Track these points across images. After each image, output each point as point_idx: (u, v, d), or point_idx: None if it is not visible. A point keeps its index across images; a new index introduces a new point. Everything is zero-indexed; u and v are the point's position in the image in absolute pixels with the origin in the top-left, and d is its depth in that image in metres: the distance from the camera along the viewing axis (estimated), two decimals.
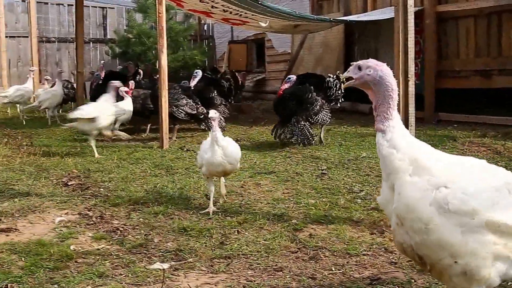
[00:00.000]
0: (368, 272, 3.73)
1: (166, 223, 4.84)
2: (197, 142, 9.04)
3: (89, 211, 5.28)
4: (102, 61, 12.96)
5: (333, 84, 8.88)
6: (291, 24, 11.76)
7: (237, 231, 4.60)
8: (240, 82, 11.52)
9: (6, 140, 9.42)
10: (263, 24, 10.82)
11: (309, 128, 8.51)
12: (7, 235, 4.61)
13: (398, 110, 4.41)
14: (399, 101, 4.41)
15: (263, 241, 4.34)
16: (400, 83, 4.36)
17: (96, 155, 8.01)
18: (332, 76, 9.02)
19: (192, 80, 9.95)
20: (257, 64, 18.18)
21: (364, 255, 4.02)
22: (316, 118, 8.55)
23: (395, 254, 4.01)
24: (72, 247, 4.26)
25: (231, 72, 11.70)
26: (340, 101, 9.08)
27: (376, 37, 12.94)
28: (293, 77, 9.00)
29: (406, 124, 4.38)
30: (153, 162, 7.53)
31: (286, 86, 8.81)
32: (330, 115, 8.76)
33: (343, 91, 8.85)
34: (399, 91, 3.84)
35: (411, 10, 4.29)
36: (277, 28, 12.35)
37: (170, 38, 11.70)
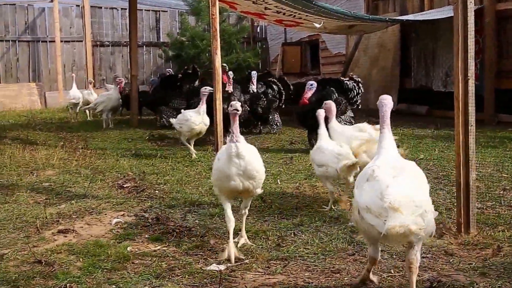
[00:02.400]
0: (427, 274, 3.71)
1: (222, 225, 4.92)
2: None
3: (145, 212, 5.42)
4: (169, 69, 13.24)
5: (352, 87, 8.80)
6: (345, 25, 11.73)
7: (293, 233, 4.65)
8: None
9: (62, 143, 9.73)
10: (317, 25, 10.83)
11: None
12: (65, 236, 4.79)
13: (457, 110, 4.39)
14: (458, 102, 4.39)
15: (320, 243, 4.37)
16: (459, 82, 4.30)
17: (194, 155, 8.31)
18: (348, 79, 9.00)
19: (251, 83, 9.95)
20: (311, 66, 18.17)
21: (423, 257, 3.99)
22: (344, 118, 8.58)
23: (456, 256, 3.97)
24: (129, 248, 4.39)
25: (279, 76, 11.71)
26: (359, 103, 9.01)
27: (434, 37, 12.76)
28: (315, 84, 8.55)
29: (466, 124, 4.31)
30: (207, 165, 7.65)
31: (309, 93, 8.36)
32: (352, 115, 8.87)
33: (362, 91, 8.89)
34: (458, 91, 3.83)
35: (471, 7, 4.22)
36: (331, 28, 12.34)
37: (223, 40, 11.87)
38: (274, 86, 10.74)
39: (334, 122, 5.90)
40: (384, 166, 3.28)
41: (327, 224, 4.85)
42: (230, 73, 10.16)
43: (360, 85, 8.80)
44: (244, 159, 4.18)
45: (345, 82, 8.88)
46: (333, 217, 5.02)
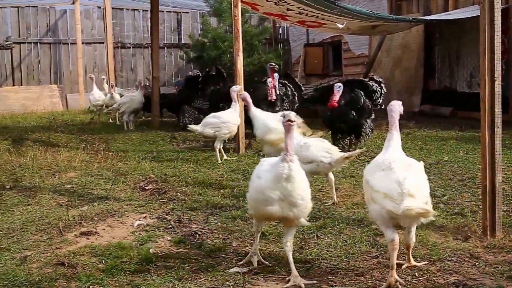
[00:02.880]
0: (453, 278, 3.70)
1: (244, 228, 4.96)
2: None
3: (167, 215, 5.47)
4: (196, 71, 13.31)
5: (376, 88, 8.73)
6: (368, 25, 11.70)
7: (316, 235, 4.67)
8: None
9: (83, 145, 9.83)
10: (340, 26, 10.81)
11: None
12: (88, 238, 4.85)
13: (483, 111, 4.36)
14: (484, 103, 4.36)
15: (343, 246, 4.38)
16: (486, 83, 4.27)
17: (219, 159, 8.22)
18: (369, 79, 8.93)
19: (270, 89, 9.84)
20: (333, 67, 18.14)
21: (448, 260, 3.99)
22: (368, 123, 8.56)
23: (481, 260, 3.95)
24: (151, 251, 4.43)
25: (290, 77, 11.54)
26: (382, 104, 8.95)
27: (458, 37, 12.68)
28: (342, 85, 8.40)
29: (492, 126, 4.29)
30: (229, 167, 7.69)
31: (337, 96, 8.20)
32: (374, 116, 8.78)
33: (385, 90, 8.81)
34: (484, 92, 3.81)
35: (498, 7, 4.19)
36: (354, 29, 12.32)
37: (245, 41, 11.89)
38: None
39: (255, 109, 6.30)
40: (397, 161, 3.85)
41: (350, 227, 4.85)
42: (276, 75, 9.71)
43: (382, 85, 8.75)
44: (293, 184, 3.64)
45: (370, 83, 8.81)
46: (356, 220, 5.02)
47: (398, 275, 3.65)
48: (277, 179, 3.64)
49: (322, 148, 5.60)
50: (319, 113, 9.33)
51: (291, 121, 3.65)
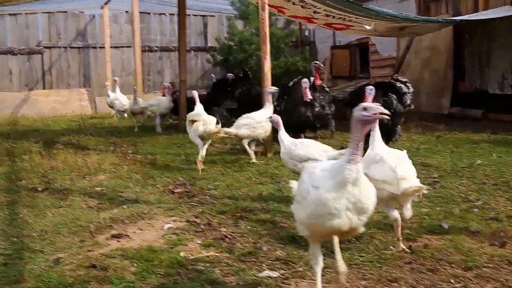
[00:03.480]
0: (490, 285, 3.62)
1: (274, 231, 4.92)
2: None
3: (196, 218, 5.46)
4: (230, 74, 13.31)
5: (406, 90, 8.60)
6: (396, 26, 11.59)
7: (348, 240, 4.60)
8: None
9: (112, 148, 9.91)
10: (368, 27, 10.74)
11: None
12: (119, 241, 4.86)
13: None
14: None
15: (375, 251, 4.32)
16: None
17: (254, 160, 8.24)
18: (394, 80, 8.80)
19: (304, 89, 9.71)
20: (360, 69, 18.03)
21: (485, 267, 3.90)
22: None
23: None
24: (182, 254, 4.42)
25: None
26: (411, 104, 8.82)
27: (489, 38, 12.47)
28: (373, 88, 8.46)
29: None
30: (257, 170, 7.67)
31: (370, 99, 8.19)
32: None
33: (412, 90, 8.66)
34: None
35: None
36: (382, 31, 12.22)
37: (271, 44, 11.87)
38: None
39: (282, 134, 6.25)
40: (386, 153, 4.51)
41: (381, 231, 4.78)
42: (309, 79, 9.61)
43: (408, 84, 8.62)
44: (360, 187, 3.17)
45: (401, 86, 8.68)
46: (388, 224, 4.93)
47: (431, 282, 3.59)
48: (343, 185, 3.12)
49: (318, 147, 5.90)
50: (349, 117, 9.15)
51: (383, 114, 3.16)
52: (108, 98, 15.24)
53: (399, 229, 4.28)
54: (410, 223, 4.94)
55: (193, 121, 7.89)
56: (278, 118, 6.40)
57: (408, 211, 4.38)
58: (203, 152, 7.80)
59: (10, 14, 17.72)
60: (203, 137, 7.82)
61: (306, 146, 5.91)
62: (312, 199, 3.22)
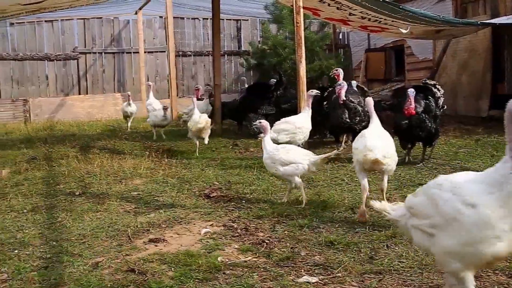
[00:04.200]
0: None
1: (312, 236, 4.90)
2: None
3: (233, 223, 5.46)
4: (273, 80, 13.25)
5: (440, 94, 8.42)
6: (433, 29, 11.45)
7: (386, 245, 4.55)
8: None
9: (148, 153, 9.98)
10: (403, 31, 10.64)
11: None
12: (156, 245, 4.89)
13: None
14: None
15: (415, 256, 4.25)
16: None
17: None
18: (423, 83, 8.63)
19: (339, 91, 9.54)
20: (396, 72, 17.86)
21: None
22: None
23: None
24: (219, 259, 4.42)
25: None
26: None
27: None
28: (414, 91, 8.06)
29: None
30: None
31: (413, 103, 7.89)
32: None
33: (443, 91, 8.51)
34: None
35: None
36: (418, 33, 12.09)
37: (306, 47, 11.86)
38: None
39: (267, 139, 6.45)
40: (370, 132, 5.64)
41: None
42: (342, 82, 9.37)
43: (438, 86, 8.48)
44: None
45: (436, 90, 8.54)
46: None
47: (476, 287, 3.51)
48: (509, 200, 2.63)
49: (300, 152, 6.21)
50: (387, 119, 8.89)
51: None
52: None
53: (365, 195, 5.41)
54: None
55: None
56: (265, 123, 6.51)
57: (384, 183, 5.60)
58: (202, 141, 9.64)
59: (46, 21, 18.10)
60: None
61: (288, 151, 6.15)
62: (468, 221, 2.68)
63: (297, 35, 8.67)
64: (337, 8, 10.44)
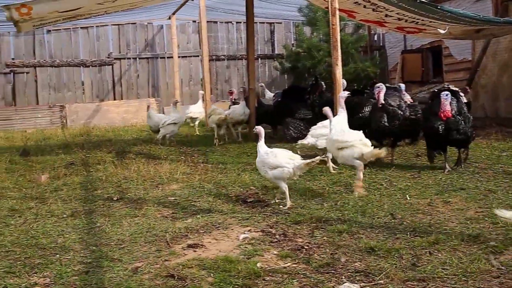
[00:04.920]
0: None
1: (352, 242, 4.87)
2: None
3: (271, 228, 5.46)
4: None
5: (465, 99, 8.22)
6: (473, 29, 11.28)
7: (429, 252, 4.50)
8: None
9: (183, 158, 10.06)
10: (442, 31, 10.50)
11: None
12: (195, 251, 4.93)
13: None
14: None
15: (459, 264, 4.19)
16: None
17: (331, 170, 8.13)
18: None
19: (378, 94, 9.37)
20: (433, 74, 17.65)
21: None
22: None
23: None
24: (258, 265, 4.43)
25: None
26: None
27: None
28: (449, 94, 7.90)
29: None
30: (330, 179, 7.62)
31: (448, 105, 7.74)
32: None
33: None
34: None
35: None
36: (456, 34, 11.92)
37: (341, 50, 11.82)
38: None
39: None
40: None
41: (465, 243, 4.64)
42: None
43: (461, 93, 8.30)
44: None
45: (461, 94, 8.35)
46: (471, 236, 4.79)
47: None
48: None
49: (286, 156, 6.36)
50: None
51: None
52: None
53: (361, 173, 6.64)
54: (495, 235, 4.79)
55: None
56: (260, 129, 6.77)
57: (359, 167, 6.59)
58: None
59: (82, 28, 18.42)
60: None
61: (275, 155, 6.38)
62: None
63: (333, 37, 8.62)
64: (373, 10, 10.38)
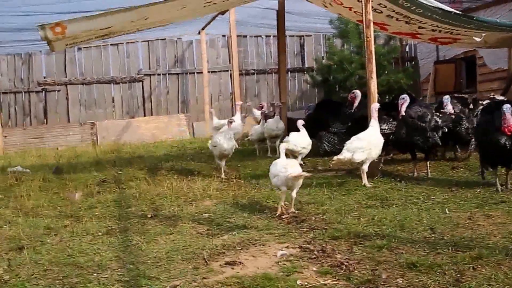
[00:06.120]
0: None
1: (392, 258, 4.83)
2: (409, 171, 8.92)
3: (309, 244, 5.45)
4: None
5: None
6: (509, 37, 11.13)
7: (473, 267, 4.44)
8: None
9: (214, 173, 10.10)
10: (477, 39, 10.36)
11: None
12: (233, 268, 4.93)
13: None
14: None
15: (506, 279, 4.14)
16: None
17: (367, 184, 8.11)
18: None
19: (401, 105, 9.24)
20: (466, 84, 17.45)
21: None
22: None
23: None
24: (298, 282, 4.42)
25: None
26: None
27: None
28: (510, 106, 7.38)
29: None
30: (365, 193, 7.58)
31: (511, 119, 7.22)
32: None
33: None
34: None
35: None
36: (492, 42, 11.78)
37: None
38: None
39: None
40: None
41: (510, 258, 4.57)
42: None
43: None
44: None
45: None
46: None
47: None
48: None
49: (282, 164, 6.80)
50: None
51: None
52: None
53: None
54: None
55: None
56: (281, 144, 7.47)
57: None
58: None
59: (112, 44, 18.68)
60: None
61: (274, 164, 6.97)
62: None
63: (367, 49, 8.59)
64: (406, 23, 10.35)
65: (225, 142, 9.82)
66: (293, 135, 9.76)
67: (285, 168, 6.70)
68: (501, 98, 8.26)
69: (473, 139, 9.16)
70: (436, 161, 9.66)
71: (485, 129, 7.65)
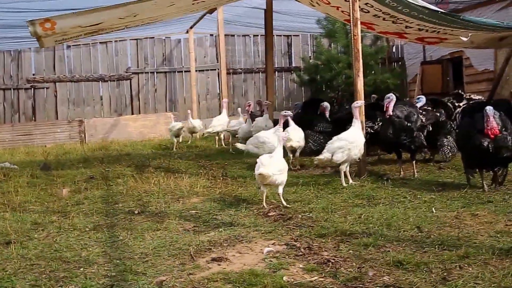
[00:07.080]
0: None
1: (379, 256, 4.79)
2: (396, 170, 8.91)
3: (295, 241, 5.40)
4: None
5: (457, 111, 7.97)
6: (495, 37, 11.15)
7: (459, 266, 4.40)
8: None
9: (201, 171, 10.05)
10: (464, 39, 10.35)
11: None
12: (219, 264, 4.88)
13: None
14: None
15: (492, 278, 4.10)
16: None
17: (344, 184, 8.03)
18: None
19: (387, 105, 9.17)
20: (454, 85, 17.50)
21: None
22: None
23: None
24: (285, 278, 4.37)
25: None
26: None
27: None
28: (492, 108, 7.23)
29: None
30: (352, 192, 7.54)
31: (494, 122, 6.99)
32: None
33: None
34: None
35: None
36: (479, 42, 11.79)
37: None
38: None
39: None
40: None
41: (496, 257, 4.54)
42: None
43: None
44: None
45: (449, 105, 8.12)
46: (503, 249, 4.70)
47: None
48: None
49: (259, 161, 6.99)
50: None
51: None
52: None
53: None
54: None
55: None
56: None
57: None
58: None
59: (101, 42, 18.61)
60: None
61: (258, 160, 7.08)
62: None
63: (354, 47, 8.55)
64: (393, 22, 10.34)
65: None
66: (290, 131, 9.54)
67: (258, 166, 6.92)
68: (478, 98, 8.19)
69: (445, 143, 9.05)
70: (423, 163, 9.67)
71: (467, 132, 7.45)
